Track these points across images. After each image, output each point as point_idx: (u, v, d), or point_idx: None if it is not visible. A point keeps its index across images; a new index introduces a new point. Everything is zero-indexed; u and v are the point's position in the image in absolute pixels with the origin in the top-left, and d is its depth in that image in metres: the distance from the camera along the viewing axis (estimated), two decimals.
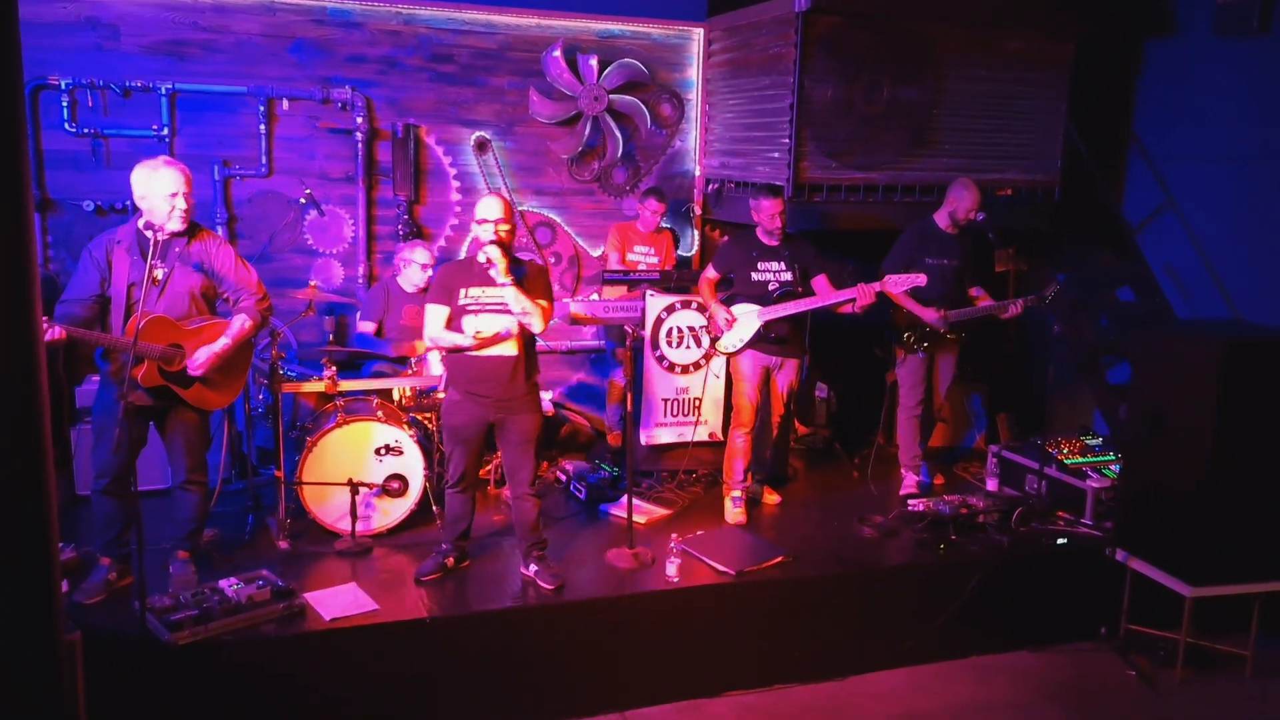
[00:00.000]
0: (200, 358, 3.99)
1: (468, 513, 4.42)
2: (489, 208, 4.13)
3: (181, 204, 3.93)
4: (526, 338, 4.24)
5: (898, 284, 5.09)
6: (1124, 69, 6.76)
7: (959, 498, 5.29)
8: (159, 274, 3.94)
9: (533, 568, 4.40)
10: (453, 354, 4.23)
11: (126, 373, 3.72)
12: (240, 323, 4.11)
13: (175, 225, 3.95)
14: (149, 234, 3.82)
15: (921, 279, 5.09)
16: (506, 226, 4.13)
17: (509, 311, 4.12)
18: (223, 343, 4.04)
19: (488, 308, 4.16)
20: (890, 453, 5.82)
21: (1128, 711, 4.44)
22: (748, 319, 5.11)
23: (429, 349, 5.08)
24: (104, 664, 3.45)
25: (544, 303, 4.18)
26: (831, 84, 5.65)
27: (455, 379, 4.27)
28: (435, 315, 4.19)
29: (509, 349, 4.19)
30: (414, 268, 5.42)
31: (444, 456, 4.52)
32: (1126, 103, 6.78)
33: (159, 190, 3.89)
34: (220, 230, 5.72)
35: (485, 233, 4.11)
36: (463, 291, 4.18)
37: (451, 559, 4.43)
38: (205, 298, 4.12)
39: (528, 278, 4.18)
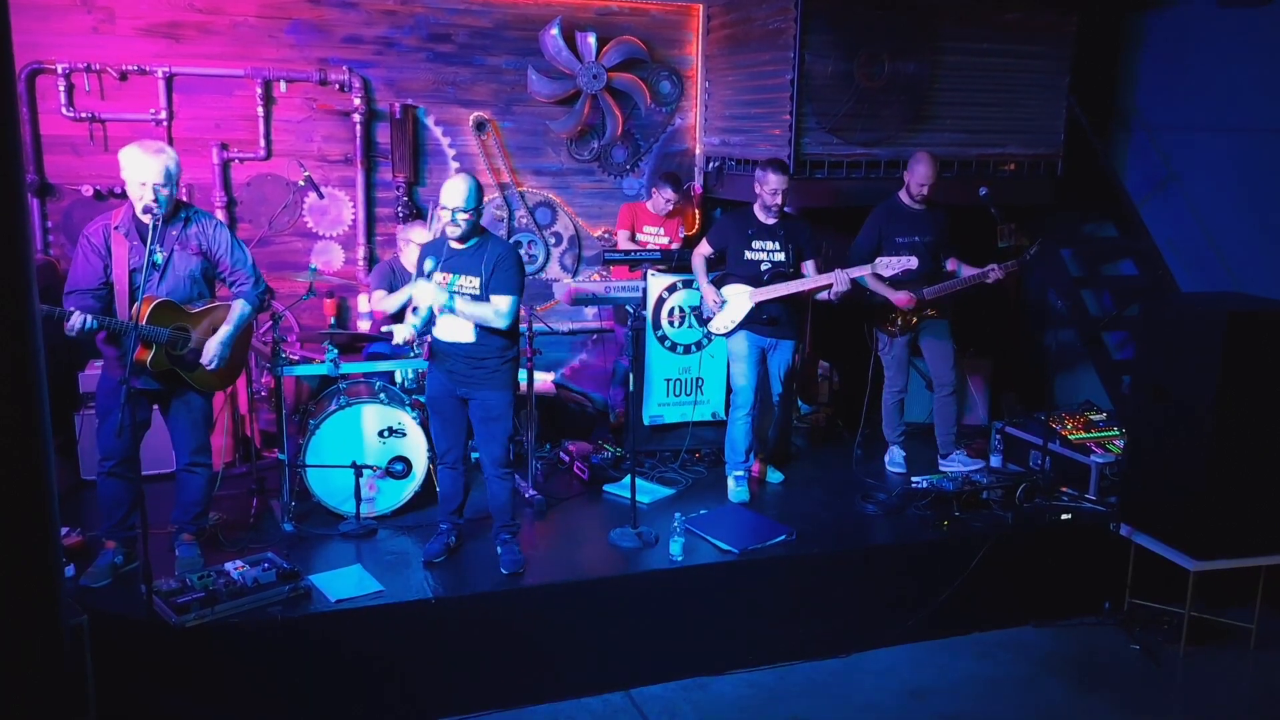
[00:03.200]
0: (211, 350, 4.02)
1: (459, 490, 4.41)
2: (447, 192, 4.06)
3: (150, 194, 3.82)
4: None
5: (889, 267, 4.99)
6: (1126, 40, 6.70)
7: (963, 474, 5.29)
8: (158, 258, 3.93)
9: (498, 549, 4.36)
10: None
11: (130, 358, 3.72)
12: (240, 308, 4.13)
13: (161, 210, 3.85)
14: (146, 218, 3.80)
15: (913, 261, 5.01)
16: (464, 214, 4.04)
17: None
18: (226, 331, 4.07)
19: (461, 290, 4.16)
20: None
21: (1132, 685, 4.45)
22: (739, 300, 5.08)
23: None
24: (112, 647, 3.48)
25: (503, 301, 4.08)
26: (832, 58, 5.60)
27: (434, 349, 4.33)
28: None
29: (466, 334, 4.15)
30: (414, 248, 5.39)
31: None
32: (1129, 75, 6.72)
33: (130, 177, 3.84)
34: (220, 214, 5.70)
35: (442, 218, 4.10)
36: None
37: (454, 538, 4.44)
38: (205, 279, 4.12)
39: (497, 268, 4.09)
